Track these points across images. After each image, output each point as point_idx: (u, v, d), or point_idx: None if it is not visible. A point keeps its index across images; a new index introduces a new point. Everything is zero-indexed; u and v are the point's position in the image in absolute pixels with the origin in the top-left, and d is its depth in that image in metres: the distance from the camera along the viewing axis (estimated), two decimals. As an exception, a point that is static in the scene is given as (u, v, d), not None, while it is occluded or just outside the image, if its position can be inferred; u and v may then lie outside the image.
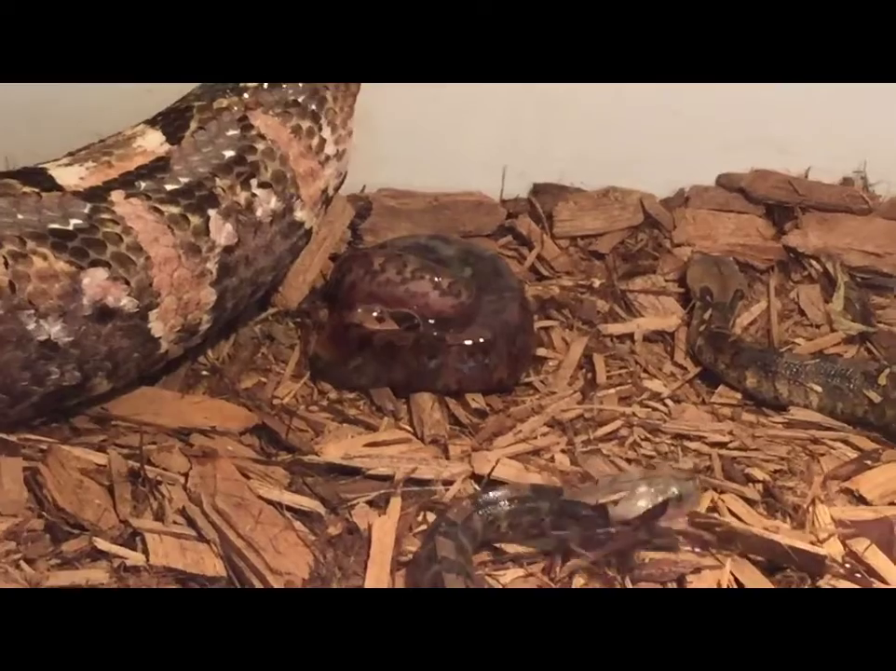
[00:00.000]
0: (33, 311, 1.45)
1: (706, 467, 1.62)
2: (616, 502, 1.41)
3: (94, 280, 1.48)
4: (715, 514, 1.53)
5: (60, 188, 1.51)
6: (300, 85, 1.67)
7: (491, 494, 1.46)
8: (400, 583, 1.42)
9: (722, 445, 1.66)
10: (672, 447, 1.65)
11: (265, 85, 1.65)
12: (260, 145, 1.62)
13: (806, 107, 1.97)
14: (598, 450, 1.62)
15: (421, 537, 1.47)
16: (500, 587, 1.42)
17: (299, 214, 1.67)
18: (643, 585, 1.43)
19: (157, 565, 1.40)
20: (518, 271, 1.90)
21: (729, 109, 1.97)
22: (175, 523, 1.45)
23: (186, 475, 1.51)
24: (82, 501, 1.46)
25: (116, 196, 1.52)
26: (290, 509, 1.48)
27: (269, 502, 1.48)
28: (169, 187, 1.55)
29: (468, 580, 1.36)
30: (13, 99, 1.74)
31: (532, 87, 1.88)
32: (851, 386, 1.72)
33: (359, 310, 1.71)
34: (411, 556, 1.44)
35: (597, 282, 1.92)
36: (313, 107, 1.68)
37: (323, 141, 1.69)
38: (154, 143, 1.59)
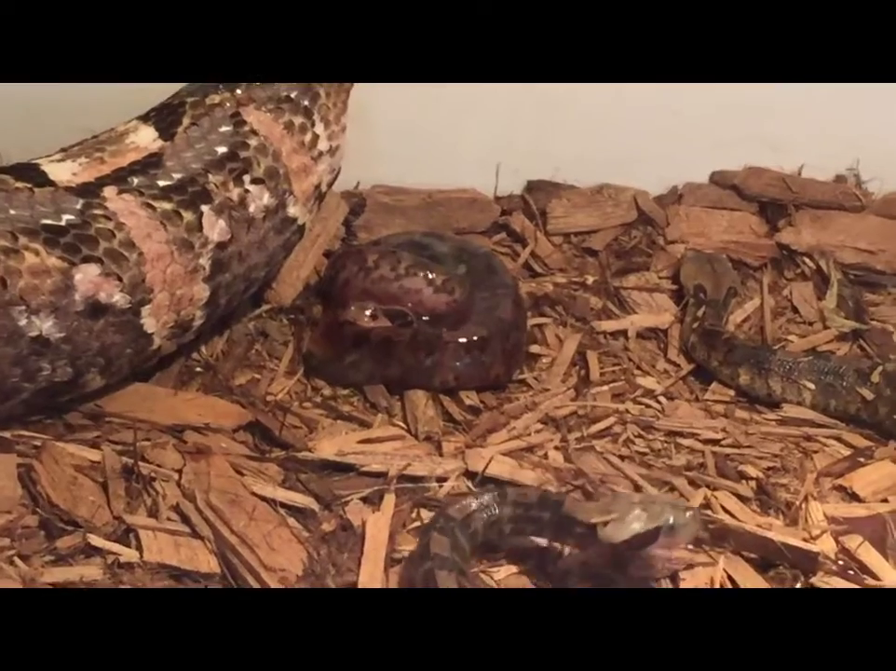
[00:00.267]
0: (24, 307, 1.45)
1: (699, 464, 1.62)
2: (606, 523, 1.38)
3: (86, 276, 1.48)
4: (709, 511, 1.53)
5: (52, 184, 1.50)
6: (293, 81, 1.67)
7: (496, 494, 1.44)
8: (393, 580, 1.42)
9: (715, 442, 1.66)
10: (666, 444, 1.65)
11: (258, 81, 1.65)
12: (252, 141, 1.62)
13: (799, 105, 1.97)
14: (591, 447, 1.62)
15: (415, 533, 1.47)
16: (494, 586, 1.42)
17: (292, 210, 1.66)
18: (636, 581, 1.43)
19: (151, 561, 1.40)
20: (512, 268, 1.90)
21: (723, 107, 1.97)
22: (169, 519, 1.45)
23: (180, 472, 1.50)
24: (76, 498, 1.46)
25: (109, 192, 1.52)
26: (283, 505, 1.48)
27: (263, 499, 1.48)
28: (161, 183, 1.55)
29: (461, 577, 1.36)
30: (6, 95, 1.74)
31: (526, 84, 1.88)
32: (844, 383, 1.72)
33: (353, 308, 1.70)
34: (406, 553, 1.44)
35: (591, 279, 1.92)
36: (306, 103, 1.68)
37: (316, 137, 1.69)
38: (146, 139, 1.59)
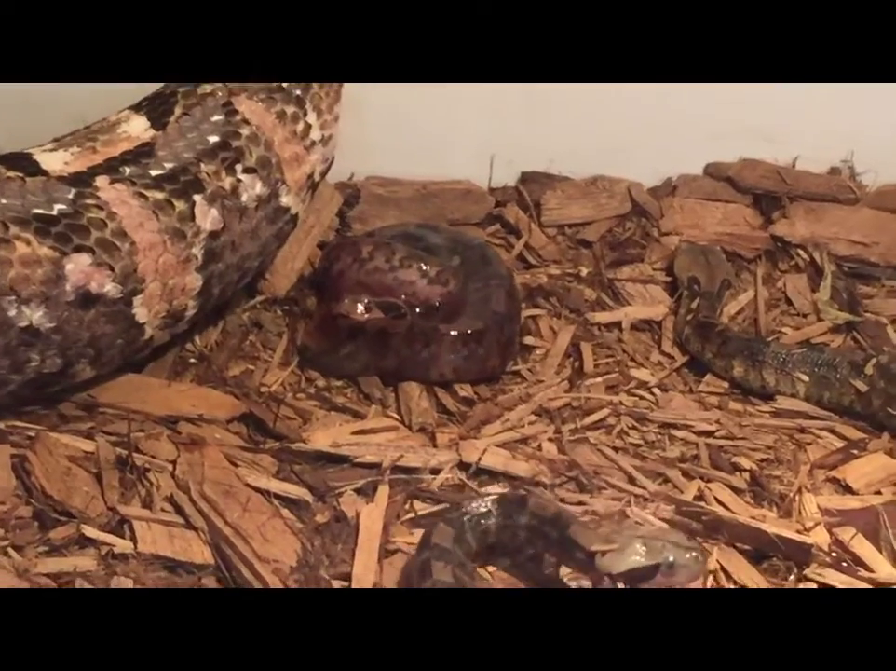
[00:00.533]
0: (14, 297, 1.44)
1: (693, 455, 1.62)
2: (604, 553, 1.36)
3: (77, 266, 1.47)
4: (702, 503, 1.53)
5: (44, 173, 1.50)
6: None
7: (517, 500, 1.43)
8: (387, 571, 1.41)
9: (709, 433, 1.66)
10: (660, 436, 1.65)
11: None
12: (244, 131, 1.61)
13: (794, 97, 1.97)
14: (585, 439, 1.62)
15: (409, 524, 1.48)
16: (489, 584, 1.41)
17: (284, 199, 1.66)
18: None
19: (145, 552, 1.40)
20: (506, 259, 1.90)
21: (717, 99, 1.97)
22: (163, 510, 1.45)
23: (174, 463, 1.50)
24: (70, 489, 1.45)
25: (101, 181, 1.51)
26: (277, 496, 1.48)
27: (257, 490, 1.48)
28: (153, 173, 1.54)
29: (458, 570, 1.35)
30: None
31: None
32: (838, 375, 1.72)
33: (346, 301, 1.70)
34: (399, 544, 1.44)
35: (584, 271, 1.92)
36: (298, 93, 1.67)
37: (308, 126, 1.69)
38: (138, 128, 1.58)
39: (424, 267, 1.74)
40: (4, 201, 1.46)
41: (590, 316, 1.84)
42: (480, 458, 1.55)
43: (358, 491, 1.50)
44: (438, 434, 1.60)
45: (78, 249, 1.47)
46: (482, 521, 1.41)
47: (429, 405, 1.65)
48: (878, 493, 1.59)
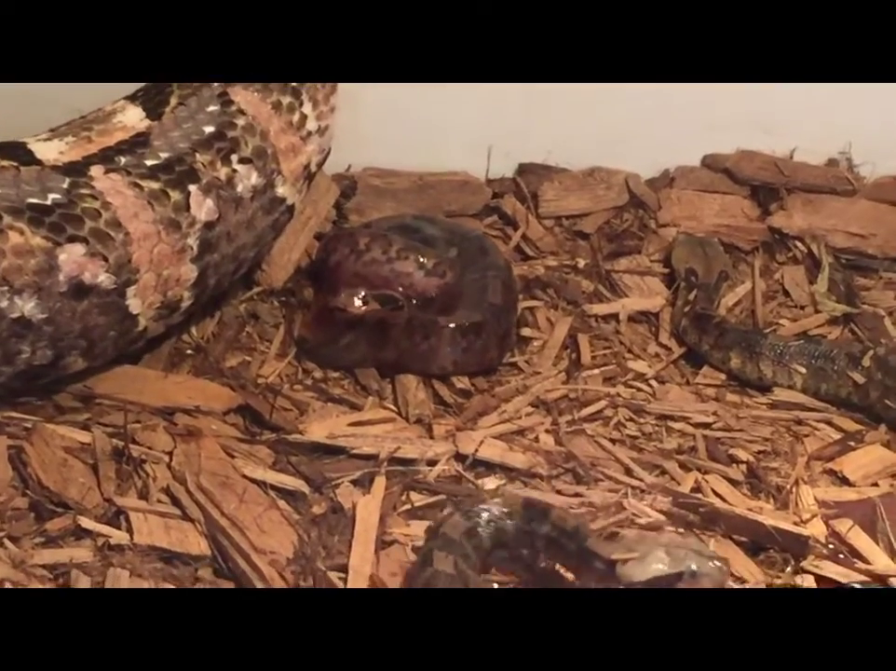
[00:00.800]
0: (7, 288, 1.43)
1: (690, 447, 1.62)
2: (626, 561, 1.34)
3: (71, 256, 1.47)
4: (699, 495, 1.53)
5: (39, 163, 1.49)
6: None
7: (540, 510, 1.40)
8: (384, 562, 1.41)
9: (706, 425, 1.66)
10: (657, 428, 1.65)
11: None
12: (240, 121, 1.61)
13: (791, 88, 1.96)
14: (582, 430, 1.62)
15: (405, 516, 1.48)
16: (488, 584, 1.41)
17: (280, 190, 1.65)
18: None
19: (142, 543, 1.40)
20: (503, 251, 1.90)
21: (715, 90, 1.96)
22: (159, 501, 1.45)
23: (171, 454, 1.50)
24: (66, 480, 1.45)
25: (96, 171, 1.51)
26: (274, 488, 1.48)
27: (253, 481, 1.48)
28: (149, 163, 1.53)
29: (460, 562, 1.34)
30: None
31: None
32: (835, 367, 1.72)
33: (343, 294, 1.70)
34: (396, 535, 1.44)
35: (582, 262, 1.91)
36: (293, 83, 1.67)
37: (304, 116, 1.68)
38: (134, 118, 1.57)
39: (421, 259, 1.74)
40: (-3, 191, 1.45)
41: (588, 307, 1.84)
42: (476, 450, 1.55)
43: (354, 482, 1.50)
44: (434, 426, 1.60)
45: (72, 239, 1.47)
46: (501, 522, 1.40)
47: (426, 397, 1.65)
48: (875, 485, 1.59)
